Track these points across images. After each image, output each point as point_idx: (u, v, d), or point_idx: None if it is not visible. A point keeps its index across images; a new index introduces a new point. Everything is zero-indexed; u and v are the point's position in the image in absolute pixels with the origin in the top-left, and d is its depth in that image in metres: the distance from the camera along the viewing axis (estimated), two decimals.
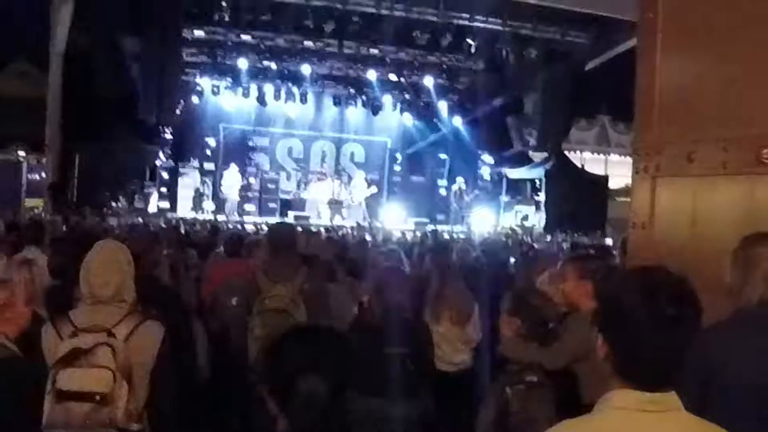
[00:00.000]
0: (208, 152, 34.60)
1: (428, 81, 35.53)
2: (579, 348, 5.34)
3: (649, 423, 2.64)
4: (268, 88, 35.15)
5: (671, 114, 5.55)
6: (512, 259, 13.63)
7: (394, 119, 38.61)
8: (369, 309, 7.40)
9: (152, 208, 31.87)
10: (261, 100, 35.33)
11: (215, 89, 34.76)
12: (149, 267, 7.12)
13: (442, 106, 37.10)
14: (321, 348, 3.08)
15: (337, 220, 31.77)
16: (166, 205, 32.08)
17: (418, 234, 25.54)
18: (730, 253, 4.38)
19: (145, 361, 4.73)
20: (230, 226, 24.32)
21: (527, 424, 4.58)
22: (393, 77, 35.55)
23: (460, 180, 36.18)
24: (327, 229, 24.34)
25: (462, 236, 25.25)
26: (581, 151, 40.55)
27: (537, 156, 36.47)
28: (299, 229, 14.36)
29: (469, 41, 32.69)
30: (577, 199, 32.74)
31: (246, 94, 34.94)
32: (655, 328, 2.62)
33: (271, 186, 34.40)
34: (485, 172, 38.10)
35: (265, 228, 20.58)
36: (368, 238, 20.25)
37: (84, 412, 4.37)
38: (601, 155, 40.75)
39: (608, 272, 6.26)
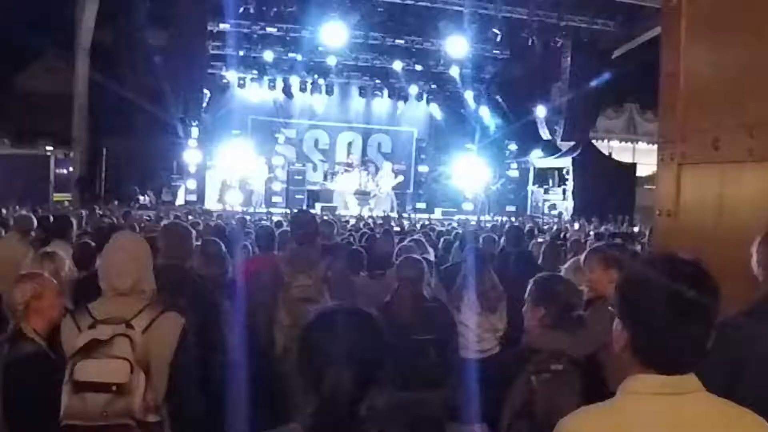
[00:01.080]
0: (235, 145, 34.58)
1: (454, 71, 35.48)
2: (604, 336, 5.31)
3: (669, 406, 2.64)
4: (294, 80, 35.24)
5: (696, 101, 5.51)
6: (541, 248, 13.59)
7: (421, 109, 38.65)
8: (395, 297, 7.40)
9: (180, 201, 31.98)
10: (287, 92, 35.42)
11: (241, 82, 34.91)
12: (180, 259, 7.13)
13: (468, 95, 37.07)
14: (349, 335, 3.07)
15: (365, 211, 31.76)
16: (193, 198, 32.15)
17: (445, 224, 25.53)
18: (755, 241, 4.35)
19: (164, 352, 4.71)
20: (257, 219, 24.37)
21: (553, 412, 4.55)
22: (419, 67, 35.54)
23: (487, 169, 36.11)
24: (355, 219, 24.39)
25: (489, 225, 25.22)
26: (609, 140, 40.41)
27: (564, 145, 36.38)
28: (326, 219, 14.35)
29: (495, 30, 32.65)
30: (605, 188, 32.65)
31: (272, 86, 35.05)
32: (674, 313, 2.62)
33: (297, 177, 34.38)
34: (512, 161, 38.03)
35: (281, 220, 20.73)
36: (395, 228, 20.26)
37: (101, 403, 4.36)
38: (629, 143, 40.60)
39: (633, 260, 6.25)
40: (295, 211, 12.00)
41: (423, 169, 37.92)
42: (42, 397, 4.58)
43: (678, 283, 2.62)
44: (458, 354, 7.66)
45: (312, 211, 24.63)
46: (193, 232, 7.50)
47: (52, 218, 11.89)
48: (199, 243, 8.92)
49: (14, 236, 10.34)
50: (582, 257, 6.97)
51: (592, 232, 20.79)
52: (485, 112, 37.37)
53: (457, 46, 33.15)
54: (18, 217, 12.60)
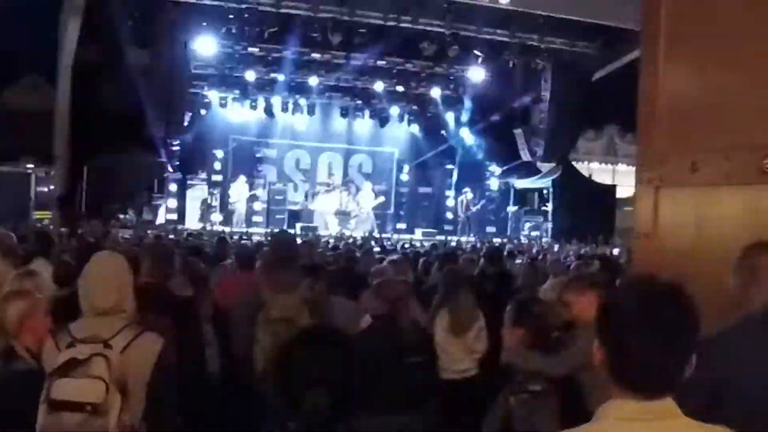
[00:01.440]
0: (216, 164, 34.64)
1: (435, 92, 35.61)
2: (582, 357, 5.36)
3: (647, 431, 2.65)
4: (276, 100, 35.29)
5: (674, 124, 5.56)
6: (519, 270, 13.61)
7: (402, 130, 38.72)
8: (381, 319, 7.42)
9: (160, 220, 31.96)
10: (268, 111, 35.45)
11: (223, 101, 34.90)
12: (162, 278, 7.14)
13: (450, 117, 37.24)
14: (327, 357, 3.09)
15: (345, 231, 31.79)
16: (174, 217, 32.13)
17: (426, 244, 25.57)
18: (732, 263, 4.39)
19: (142, 372, 4.71)
20: (237, 238, 24.38)
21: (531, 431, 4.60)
22: (400, 88, 35.64)
23: (467, 190, 36.20)
24: (336, 239, 24.42)
25: (469, 246, 25.26)
26: (589, 162, 40.57)
27: (544, 166, 36.47)
28: (305, 240, 14.36)
29: (477, 52, 32.76)
30: (585, 209, 32.79)
31: (254, 106, 35.08)
32: (651, 336, 2.63)
33: (278, 197, 34.35)
34: (493, 182, 38.13)
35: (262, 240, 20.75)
36: (375, 248, 20.28)
37: (76, 423, 4.35)
38: (609, 165, 40.76)
39: (613, 282, 6.30)
40: (276, 231, 12.02)
41: (403, 189, 37.92)
42: (34, 416, 4.58)
43: (656, 304, 2.65)
44: (437, 376, 7.68)
45: (292, 231, 24.69)
46: (175, 251, 7.53)
47: (33, 236, 11.87)
48: (179, 262, 8.95)
49: None
50: (561, 279, 7.02)
51: (572, 254, 20.86)
52: (466, 133, 37.44)
53: (438, 67, 33.30)
54: None
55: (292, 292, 7.51)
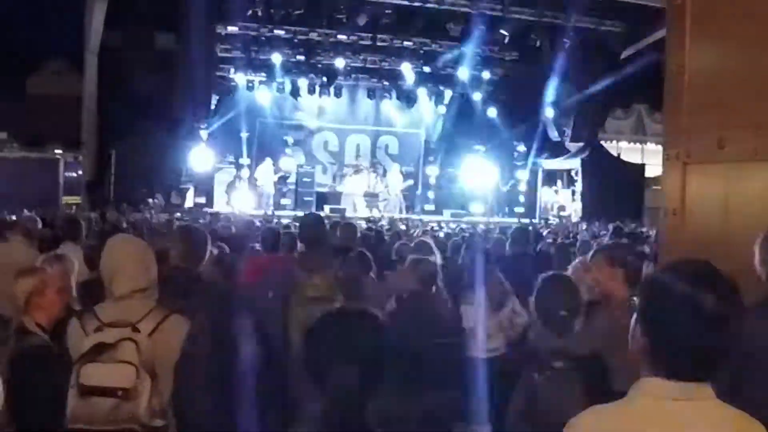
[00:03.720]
0: (244, 147, 34.58)
1: (462, 72, 35.45)
2: (607, 335, 5.34)
3: (679, 411, 2.64)
4: (302, 83, 35.22)
5: (701, 100, 5.52)
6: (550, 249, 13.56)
7: (429, 111, 38.59)
8: (407, 299, 7.44)
9: (188, 204, 32.02)
10: (295, 94, 35.41)
11: (250, 84, 34.88)
12: (194, 264, 7.15)
13: (477, 96, 37.04)
14: (355, 336, 3.09)
15: (374, 213, 31.75)
16: (202, 200, 32.17)
17: (454, 226, 25.54)
18: (758, 240, 4.36)
19: (170, 356, 4.70)
20: (265, 221, 24.42)
21: (555, 410, 4.57)
22: (427, 69, 35.55)
23: (496, 171, 36.08)
24: (365, 221, 24.44)
25: (498, 227, 25.23)
26: (617, 141, 40.30)
27: (573, 146, 36.34)
28: (349, 222, 14.36)
29: (503, 32, 32.66)
30: (614, 189, 32.65)
31: (280, 89, 35.03)
32: (699, 324, 2.62)
33: (306, 179, 34.32)
34: (521, 162, 37.97)
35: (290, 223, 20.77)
36: (403, 229, 20.29)
37: (107, 408, 4.35)
38: (638, 144, 40.47)
39: (639, 260, 6.26)
40: (303, 214, 12.09)
41: (431, 171, 37.71)
42: (46, 391, 4.60)
43: (704, 293, 2.62)
44: (466, 356, 7.68)
45: (321, 213, 24.72)
46: (208, 236, 7.53)
47: (61, 220, 11.94)
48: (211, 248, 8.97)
49: (18, 239, 10.30)
50: (588, 256, 6.98)
51: (603, 233, 20.76)
52: (493, 114, 37.30)
53: (465, 48, 33.23)
54: (21, 219, 12.65)
55: (324, 272, 7.57)
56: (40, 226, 11.17)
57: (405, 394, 6.52)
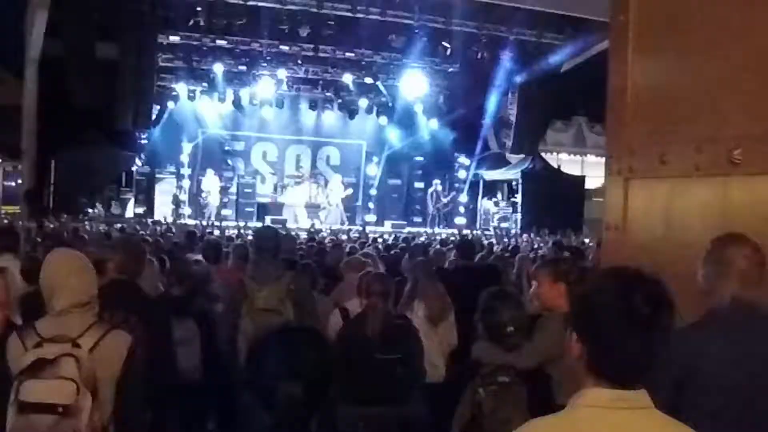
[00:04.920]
0: (185, 157, 34.45)
1: (404, 84, 35.53)
2: (551, 348, 5.38)
3: (619, 420, 2.66)
4: (244, 93, 35.11)
5: (643, 115, 5.57)
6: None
7: (370, 122, 38.58)
8: (362, 315, 7.44)
9: (129, 214, 31.84)
10: (237, 104, 35.31)
11: (191, 94, 34.69)
12: (132, 275, 7.09)
13: (418, 108, 37.14)
14: (301, 352, 3.09)
15: (315, 224, 31.73)
16: (142, 210, 32.01)
17: (395, 236, 25.60)
18: (702, 255, 4.41)
19: (111, 371, 4.65)
20: (209, 231, 24.34)
21: (500, 424, 4.60)
22: (369, 80, 35.59)
23: (436, 182, 36.25)
24: (307, 232, 24.45)
25: (438, 238, 25.30)
26: (558, 153, 40.67)
27: (514, 157, 36.57)
28: (290, 234, 14.39)
29: (445, 44, 32.82)
30: (554, 200, 32.95)
31: (222, 99, 34.88)
32: (629, 327, 2.64)
33: (247, 190, 34.38)
34: (462, 173, 38.12)
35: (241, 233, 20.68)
36: (344, 239, 20.30)
37: (47, 425, 4.29)
38: (578, 156, 40.86)
39: (581, 274, 6.31)
40: (259, 226, 12.11)
41: (372, 181, 37.85)
42: None
43: (634, 296, 2.65)
44: (423, 371, 7.70)
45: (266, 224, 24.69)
46: (146, 247, 7.50)
47: None
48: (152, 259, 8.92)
49: None
50: (531, 270, 7.03)
51: (542, 246, 20.87)
52: (435, 125, 37.42)
53: (407, 59, 33.35)
54: None
55: (275, 285, 7.60)
56: None
57: (350, 406, 6.53)
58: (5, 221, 24.87)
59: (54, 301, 4.74)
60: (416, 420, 6.90)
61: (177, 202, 32.88)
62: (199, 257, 11.86)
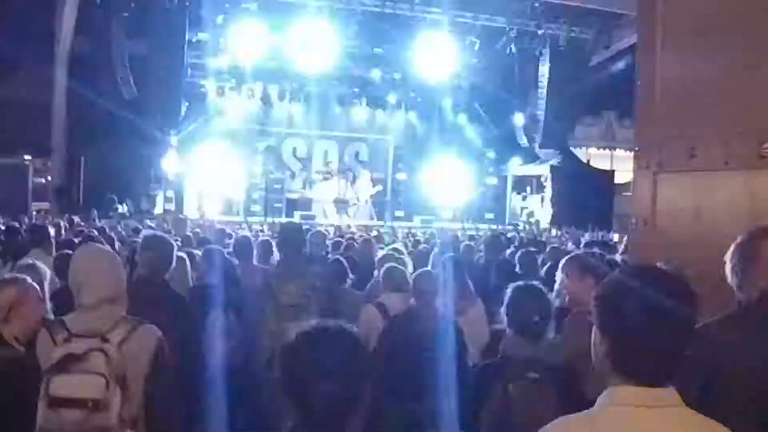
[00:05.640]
0: (214, 154, 34.43)
1: (432, 79, 35.49)
2: (580, 344, 5.35)
3: (649, 419, 2.65)
4: (273, 89, 35.11)
5: (672, 109, 5.55)
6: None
7: (399, 118, 38.54)
8: (411, 312, 7.44)
9: (158, 210, 31.92)
10: (265, 100, 35.33)
11: (219, 91, 34.73)
12: (161, 271, 7.11)
13: (447, 103, 37.08)
14: (335, 353, 3.08)
15: (344, 219, 31.72)
16: (171, 207, 32.08)
17: (424, 232, 25.59)
18: (730, 249, 4.37)
19: (140, 366, 4.67)
20: (236, 227, 24.38)
21: (529, 420, 4.57)
22: (397, 75, 35.55)
23: (466, 177, 36.12)
24: (336, 228, 24.45)
25: (468, 234, 25.26)
26: (587, 147, 40.48)
27: (543, 152, 36.46)
28: (319, 230, 14.37)
29: (474, 39, 32.76)
30: (583, 195, 32.78)
31: (250, 95, 34.90)
32: (653, 325, 2.63)
33: (276, 186, 34.38)
34: (491, 169, 38.02)
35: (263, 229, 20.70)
36: (375, 236, 20.29)
37: (76, 419, 4.30)
38: (607, 150, 40.65)
39: (610, 268, 6.28)
40: (283, 222, 12.10)
41: (401, 177, 37.79)
42: (18, 404, 4.55)
43: (658, 294, 2.65)
44: (467, 372, 7.69)
45: (293, 220, 24.70)
46: (174, 244, 7.49)
47: (29, 228, 11.83)
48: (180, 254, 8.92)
49: None
50: (560, 265, 6.99)
51: (571, 243, 20.78)
52: (464, 120, 37.35)
53: (435, 54, 33.36)
54: None
55: (300, 280, 7.60)
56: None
57: (398, 404, 6.54)
58: (36, 217, 24.96)
59: (83, 296, 4.76)
60: (440, 413, 6.89)
61: (205, 198, 32.91)
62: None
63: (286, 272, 7.80)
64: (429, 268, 10.15)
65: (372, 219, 33.28)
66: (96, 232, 15.16)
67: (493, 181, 37.78)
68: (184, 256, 9.63)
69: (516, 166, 37.33)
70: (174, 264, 7.29)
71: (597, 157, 40.12)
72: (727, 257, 4.34)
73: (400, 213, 36.03)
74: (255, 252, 10.77)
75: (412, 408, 6.58)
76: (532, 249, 13.53)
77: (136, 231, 18.42)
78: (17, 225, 12.82)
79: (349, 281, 9.59)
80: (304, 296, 7.49)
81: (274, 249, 10.66)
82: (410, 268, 9.62)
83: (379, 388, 3.27)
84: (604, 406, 2.74)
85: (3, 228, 11.99)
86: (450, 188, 37.02)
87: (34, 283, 5.59)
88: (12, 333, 5.20)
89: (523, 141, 37.31)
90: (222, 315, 8.02)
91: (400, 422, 6.58)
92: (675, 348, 2.69)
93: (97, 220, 24.61)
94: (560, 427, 2.82)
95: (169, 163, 32.44)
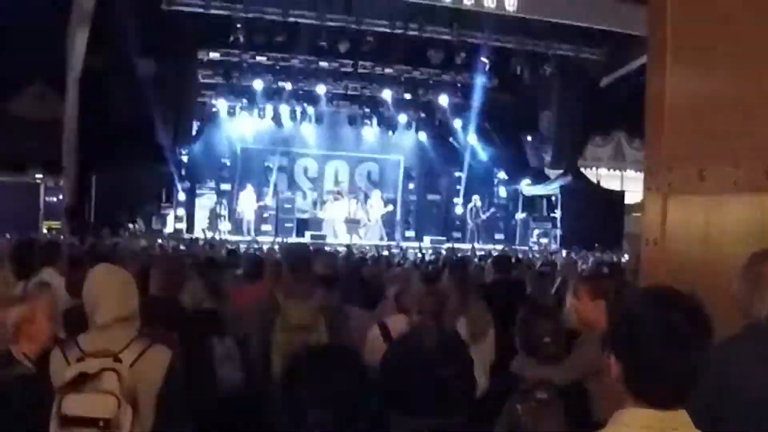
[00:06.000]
0: (225, 173, 34.51)
1: (443, 99, 35.63)
2: (590, 365, 5.37)
3: None
4: (284, 109, 35.18)
5: (681, 131, 5.57)
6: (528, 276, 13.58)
7: (409, 138, 38.52)
8: (414, 331, 7.43)
9: (169, 230, 31.94)
10: (276, 120, 35.39)
11: (231, 110, 34.74)
12: (172, 291, 7.15)
13: (457, 124, 37.11)
14: (333, 376, 3.10)
15: (354, 239, 31.73)
16: (182, 226, 32.11)
17: (435, 252, 25.60)
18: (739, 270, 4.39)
19: (152, 385, 4.70)
20: (246, 247, 24.41)
21: None
22: (408, 96, 35.63)
23: (475, 198, 36.07)
24: (346, 248, 24.45)
25: (478, 254, 25.24)
26: (597, 168, 40.44)
27: (553, 173, 36.46)
28: (329, 250, 14.40)
29: (483, 59, 32.80)
30: (594, 215, 32.80)
31: (262, 115, 34.95)
32: (668, 347, 2.65)
33: (287, 206, 34.34)
34: (501, 189, 38.02)
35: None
36: (385, 255, 20.30)
37: None
38: (617, 171, 40.60)
39: (621, 290, 6.30)
40: (289, 241, 12.12)
41: (411, 197, 37.80)
42: (29, 422, 4.58)
43: (672, 316, 2.67)
44: (475, 384, 7.68)
45: (302, 239, 24.74)
46: (186, 263, 7.54)
47: (39, 245, 11.86)
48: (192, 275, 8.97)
49: None
50: (571, 286, 7.01)
51: (581, 261, 20.78)
52: (474, 141, 37.35)
53: (445, 75, 33.43)
54: None
55: (307, 300, 7.61)
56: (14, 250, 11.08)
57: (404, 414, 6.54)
58: (48, 236, 25.04)
59: (96, 315, 4.80)
60: None
61: (216, 218, 32.93)
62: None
63: (293, 292, 7.79)
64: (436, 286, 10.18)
65: (382, 239, 33.21)
66: (108, 251, 15.23)
67: (504, 201, 37.73)
68: (196, 275, 9.68)
69: (526, 187, 37.28)
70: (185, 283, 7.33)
71: (607, 178, 40.09)
72: (736, 279, 4.36)
73: (410, 233, 36.00)
74: (265, 271, 10.79)
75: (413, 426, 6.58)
76: (543, 270, 13.56)
77: (148, 250, 18.47)
78: (31, 242, 12.83)
79: (357, 302, 9.61)
80: (312, 317, 7.49)
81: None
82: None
83: (382, 407, 3.29)
84: (616, 427, 2.76)
85: (16, 245, 11.99)
86: (460, 208, 36.99)
87: (45, 302, 5.63)
88: (21, 351, 5.23)
89: (534, 161, 37.32)
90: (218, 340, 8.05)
91: None
92: (689, 371, 2.71)
93: (108, 239, 24.67)
94: None
95: (180, 182, 32.46)
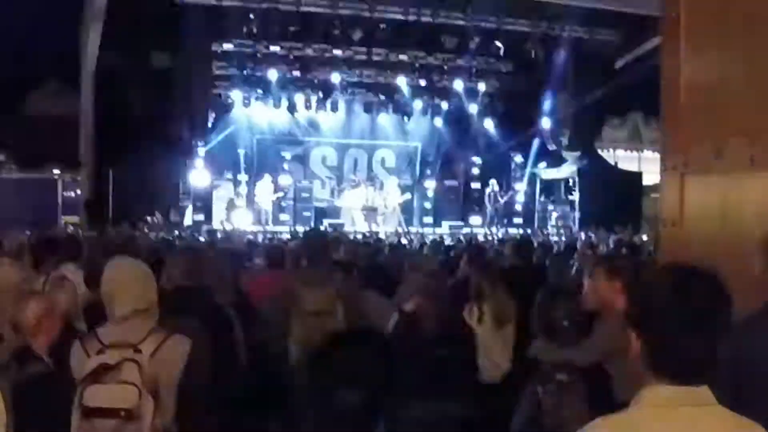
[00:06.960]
0: (242, 164, 34.54)
1: (458, 84, 35.52)
2: (610, 345, 5.37)
3: (684, 418, 2.67)
4: (299, 98, 35.15)
5: (697, 110, 5.55)
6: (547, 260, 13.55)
7: (425, 124, 38.45)
8: (414, 314, 7.45)
9: (187, 221, 31.98)
10: (292, 110, 35.37)
11: (246, 101, 34.70)
12: (196, 282, 7.18)
13: (473, 108, 36.99)
14: (360, 359, 3.10)
15: (373, 227, 31.70)
16: (201, 217, 32.13)
17: (453, 237, 25.58)
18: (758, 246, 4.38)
19: (172, 375, 4.73)
20: (263, 237, 24.41)
21: (560, 422, 4.60)
22: (423, 82, 35.55)
23: (493, 182, 36.00)
24: (364, 236, 24.44)
25: (497, 239, 25.21)
26: (614, 149, 40.29)
27: (570, 155, 36.34)
28: (337, 235, 14.40)
29: (498, 43, 32.72)
30: (612, 197, 32.69)
31: (277, 105, 34.93)
32: (688, 324, 2.66)
33: (305, 195, 34.39)
34: (518, 173, 37.91)
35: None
36: (404, 242, 20.29)
37: (110, 429, 4.37)
38: (635, 152, 40.43)
39: (638, 270, 6.29)
40: (306, 229, 12.12)
41: (429, 183, 37.66)
42: (50, 417, 4.61)
43: (693, 292, 2.67)
44: (477, 369, 7.69)
45: (321, 228, 24.74)
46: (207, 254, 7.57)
47: (59, 241, 11.89)
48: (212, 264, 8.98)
49: (5, 261, 10.20)
50: (588, 267, 7.00)
51: (602, 244, 20.73)
52: (490, 125, 37.25)
53: (460, 60, 33.38)
54: (7, 241, 12.61)
55: (323, 287, 7.61)
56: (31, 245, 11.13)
57: (408, 405, 6.56)
58: (68, 231, 25.11)
59: (115, 308, 4.83)
60: (476, 420, 6.90)
61: (234, 209, 32.92)
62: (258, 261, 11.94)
63: (310, 279, 7.80)
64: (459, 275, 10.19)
65: (400, 226, 33.16)
66: (126, 244, 15.26)
67: (521, 185, 37.62)
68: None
69: (543, 170, 37.16)
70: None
71: (624, 159, 39.94)
72: (755, 256, 4.35)
73: (428, 219, 35.94)
74: (287, 260, 10.80)
75: (416, 408, 6.59)
76: (562, 252, 13.53)
77: (168, 242, 18.51)
78: (50, 237, 12.87)
79: (375, 287, 9.61)
80: (330, 303, 7.49)
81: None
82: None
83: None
84: (641, 406, 2.77)
85: (36, 240, 12.03)
86: (478, 193, 36.89)
87: (64, 295, 5.67)
88: (41, 345, 5.27)
89: (551, 145, 37.21)
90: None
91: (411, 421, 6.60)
92: (711, 347, 2.71)
93: (127, 232, 24.72)
94: (598, 429, 2.84)
95: (197, 174, 32.47)
